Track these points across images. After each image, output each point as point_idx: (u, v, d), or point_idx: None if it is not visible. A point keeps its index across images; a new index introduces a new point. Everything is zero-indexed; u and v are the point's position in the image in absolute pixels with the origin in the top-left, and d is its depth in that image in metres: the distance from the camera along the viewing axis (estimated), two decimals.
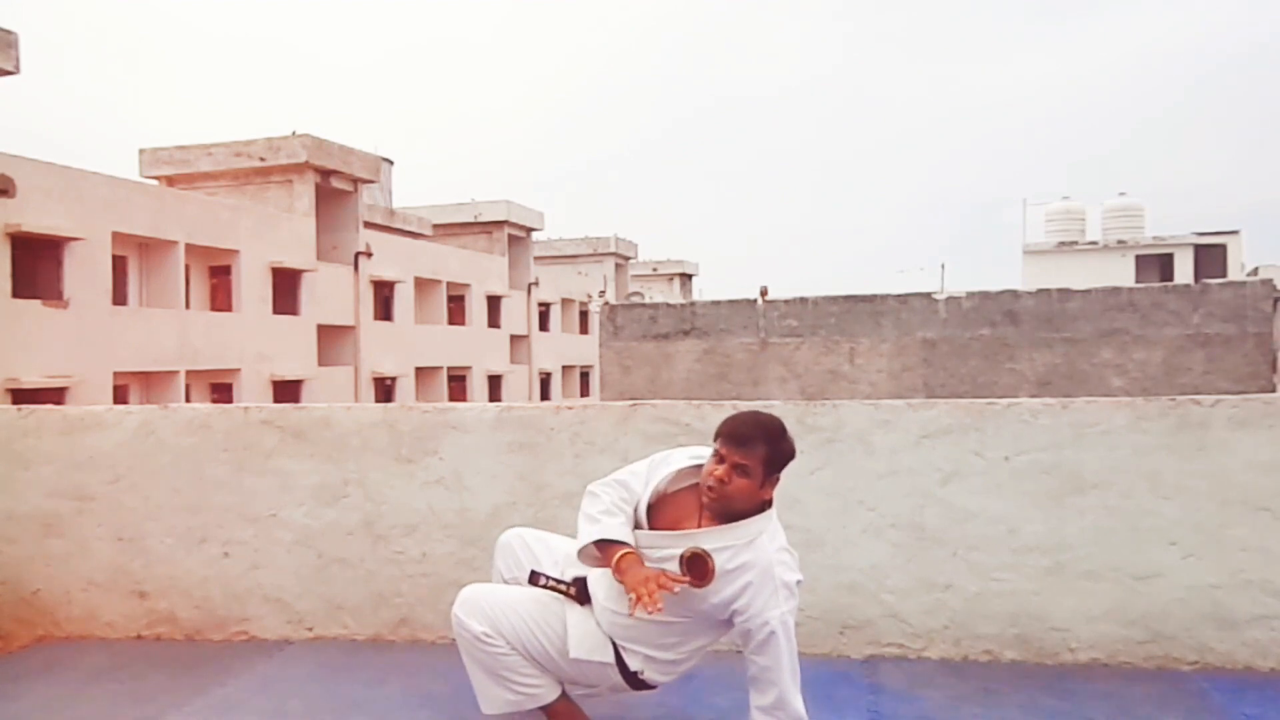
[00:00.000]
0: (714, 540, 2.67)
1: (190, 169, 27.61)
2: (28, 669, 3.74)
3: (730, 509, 2.70)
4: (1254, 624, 3.43)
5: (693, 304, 15.77)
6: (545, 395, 40.02)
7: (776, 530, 2.76)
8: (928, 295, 14.74)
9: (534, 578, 2.86)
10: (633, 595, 2.55)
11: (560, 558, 2.99)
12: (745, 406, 3.73)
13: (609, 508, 2.77)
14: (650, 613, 2.53)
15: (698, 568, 2.65)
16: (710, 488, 2.68)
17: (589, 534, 2.74)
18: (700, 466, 2.76)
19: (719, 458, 2.69)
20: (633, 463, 2.96)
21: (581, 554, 2.78)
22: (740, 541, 2.68)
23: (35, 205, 18.79)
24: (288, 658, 3.78)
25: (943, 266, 67.34)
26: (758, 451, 2.67)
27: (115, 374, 20.63)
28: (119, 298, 21.47)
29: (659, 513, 2.81)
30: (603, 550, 2.73)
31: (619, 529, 2.73)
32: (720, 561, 2.65)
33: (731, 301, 15.01)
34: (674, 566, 2.66)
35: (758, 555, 2.67)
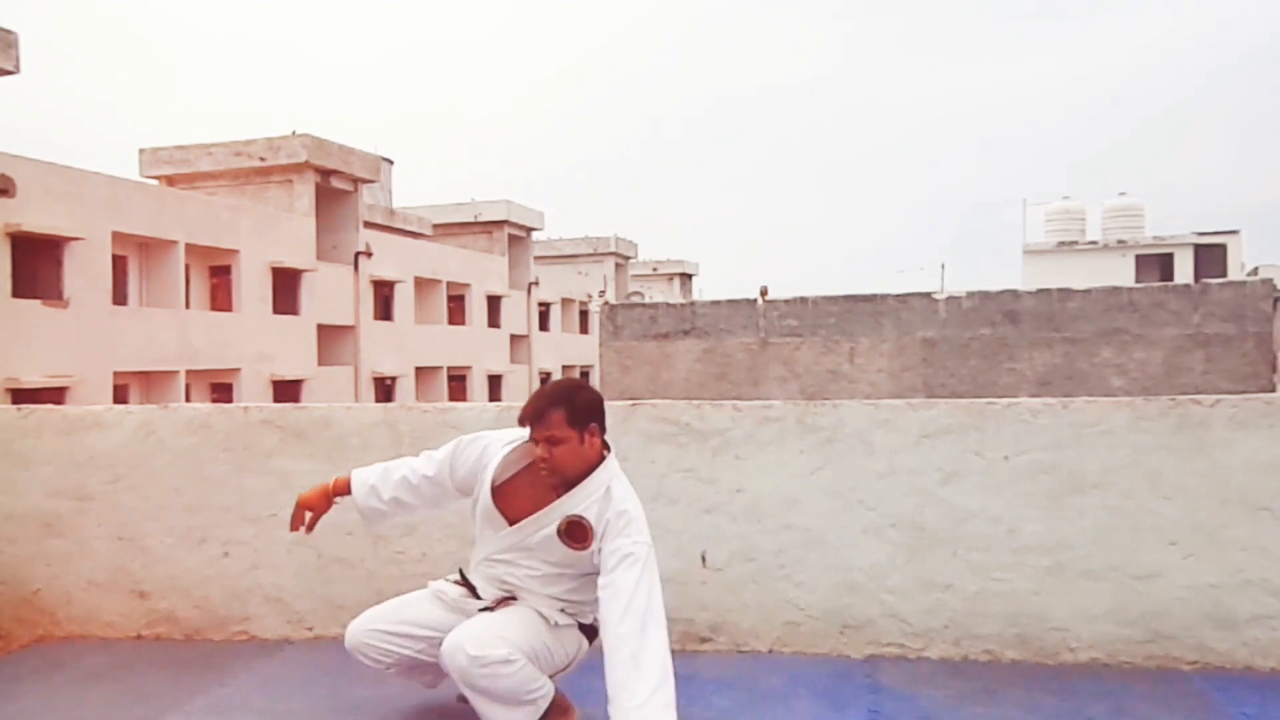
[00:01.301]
0: (573, 505, 2.87)
1: (190, 169, 27.59)
2: (28, 669, 3.74)
3: (570, 476, 2.88)
4: (1254, 624, 3.43)
5: (693, 304, 15.77)
6: None
7: (620, 476, 2.95)
8: (928, 295, 14.74)
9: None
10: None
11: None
12: (745, 406, 3.75)
13: (377, 479, 3.22)
14: (295, 531, 3.25)
15: (577, 533, 2.87)
16: (543, 469, 2.88)
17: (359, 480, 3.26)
18: (517, 446, 2.98)
19: (534, 440, 2.87)
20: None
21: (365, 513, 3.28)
22: (595, 495, 2.87)
23: (35, 205, 18.78)
24: (288, 658, 3.78)
25: (943, 266, 67.39)
26: (556, 417, 2.83)
27: (115, 374, 20.62)
28: (119, 298, 21.45)
29: (512, 501, 2.96)
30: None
31: (359, 481, 3.23)
32: (591, 519, 2.85)
33: (731, 301, 15.01)
34: (556, 544, 2.88)
35: (612, 502, 2.87)
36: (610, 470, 2.92)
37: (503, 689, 2.79)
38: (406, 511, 3.24)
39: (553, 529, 2.88)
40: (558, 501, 2.89)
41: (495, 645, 2.78)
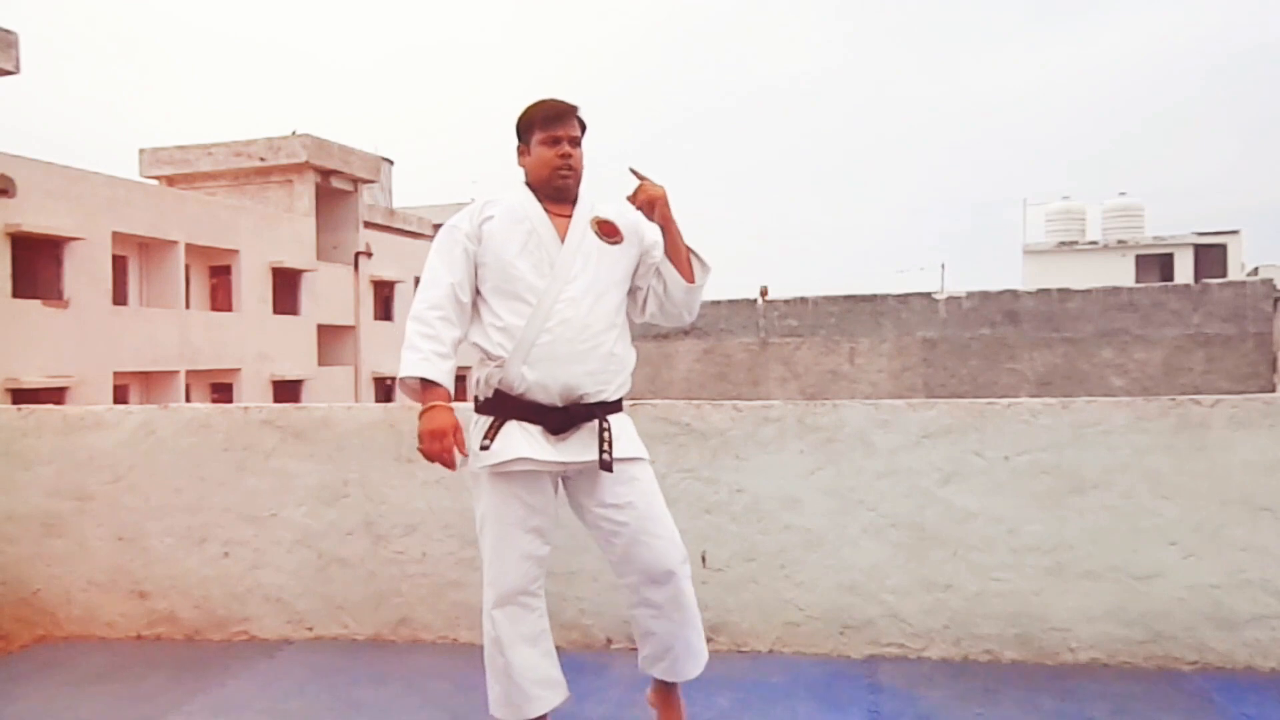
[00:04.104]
0: (594, 211, 2.76)
1: (190, 169, 27.63)
2: (28, 669, 3.74)
3: (577, 186, 2.76)
4: (1254, 624, 3.43)
5: None
6: None
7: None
8: (928, 295, 14.74)
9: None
10: (422, 451, 2.59)
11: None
12: (745, 406, 3.75)
13: (442, 347, 2.61)
14: (447, 465, 2.59)
15: (608, 228, 2.75)
16: (568, 172, 2.72)
17: (413, 367, 2.60)
18: (495, 206, 2.72)
19: (550, 140, 2.70)
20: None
21: (402, 384, 2.67)
22: (592, 200, 2.79)
23: (35, 205, 18.79)
24: (288, 658, 3.78)
25: (943, 266, 67.24)
26: (576, 118, 2.74)
27: (115, 374, 20.64)
28: (119, 298, 21.48)
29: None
30: (422, 388, 2.61)
31: (443, 370, 2.60)
32: (611, 216, 2.77)
33: (731, 301, 15.02)
34: (603, 250, 2.72)
35: (608, 202, 2.80)
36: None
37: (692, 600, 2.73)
38: None
39: (593, 232, 2.72)
40: (578, 216, 2.73)
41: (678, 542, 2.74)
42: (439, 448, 2.56)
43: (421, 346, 2.59)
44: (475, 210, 2.74)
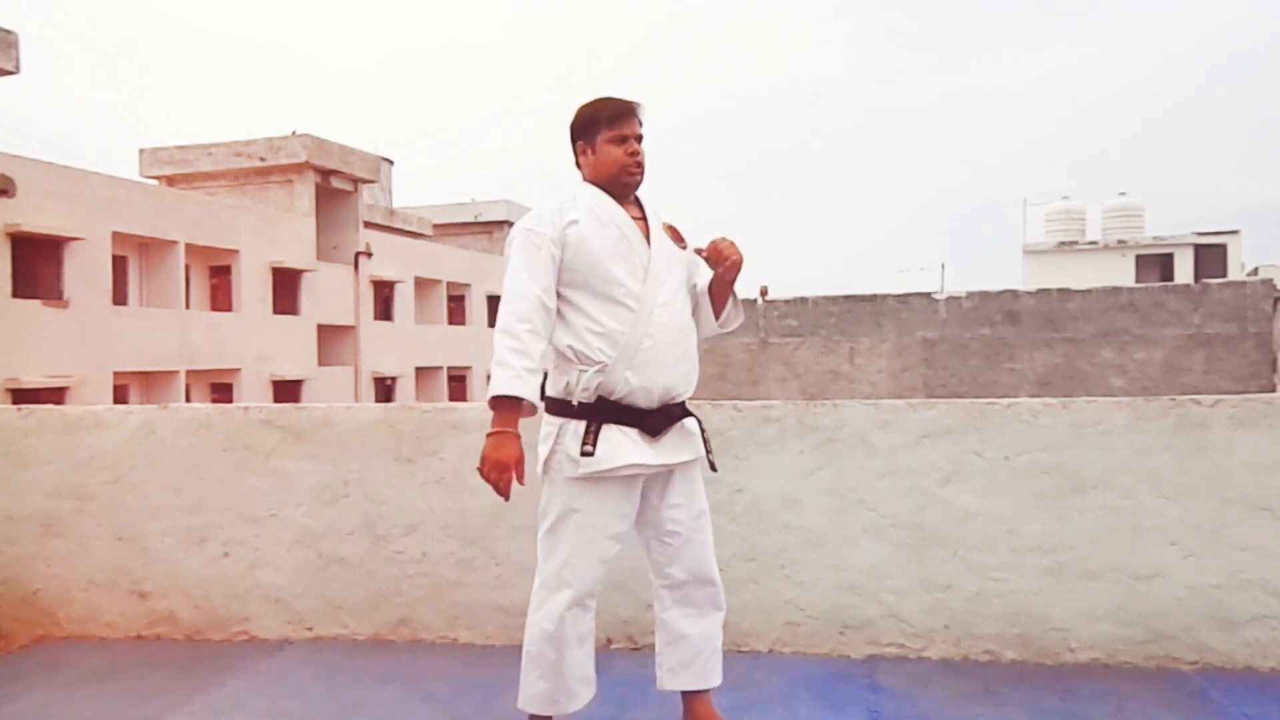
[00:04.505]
0: (653, 214, 2.78)
1: (190, 169, 27.62)
2: (28, 669, 3.74)
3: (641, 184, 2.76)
4: (1254, 624, 3.43)
5: None
6: None
7: None
8: (928, 295, 14.74)
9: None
10: (481, 474, 2.57)
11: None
12: (745, 406, 3.75)
13: (531, 363, 2.55)
14: (502, 495, 2.57)
15: (676, 234, 2.81)
16: (637, 169, 2.72)
17: (506, 385, 2.54)
18: (574, 208, 2.67)
19: (618, 139, 2.70)
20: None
21: (495, 401, 2.59)
22: (651, 204, 2.81)
23: (35, 205, 18.79)
24: (288, 658, 3.78)
25: (943, 266, 67.21)
26: (640, 115, 2.73)
27: (115, 374, 20.63)
28: (119, 298, 21.47)
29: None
30: (502, 406, 2.57)
31: (533, 387, 2.57)
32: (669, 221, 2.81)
33: None
34: (676, 255, 2.76)
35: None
36: None
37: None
38: None
39: (665, 236, 2.75)
40: (646, 210, 2.76)
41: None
42: (497, 478, 2.57)
43: (513, 363, 2.54)
44: (554, 212, 2.67)
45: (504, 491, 2.58)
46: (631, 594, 3.74)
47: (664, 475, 2.75)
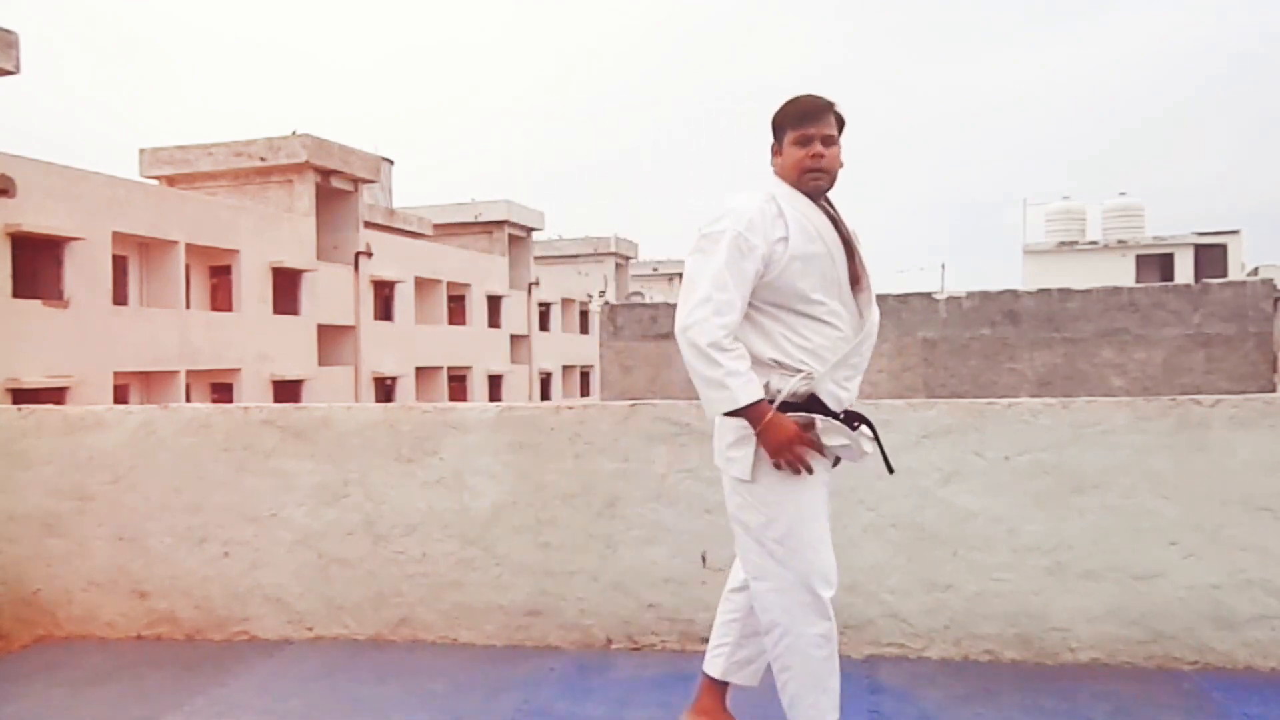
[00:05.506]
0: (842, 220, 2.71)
1: (190, 169, 27.61)
2: (28, 669, 3.74)
3: (830, 187, 2.68)
4: (1254, 624, 3.43)
5: None
6: (546, 395, 40.01)
7: None
8: (928, 295, 14.73)
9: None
10: (788, 459, 2.53)
11: None
12: None
13: (749, 366, 2.53)
14: (809, 467, 2.54)
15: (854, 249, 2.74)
16: (819, 173, 2.63)
17: (751, 392, 2.51)
18: (782, 223, 2.58)
19: (804, 140, 2.61)
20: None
21: (745, 412, 2.53)
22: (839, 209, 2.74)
23: (35, 205, 18.78)
24: (288, 658, 3.78)
25: (943, 266, 67.31)
26: (832, 115, 2.65)
27: (115, 374, 20.62)
28: (119, 298, 21.46)
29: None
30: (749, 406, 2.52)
31: (755, 388, 2.52)
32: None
33: None
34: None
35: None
36: None
37: (823, 672, 2.66)
38: None
39: (856, 241, 2.69)
40: (843, 223, 2.68)
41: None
42: (801, 454, 2.54)
43: (741, 370, 2.51)
44: (765, 221, 2.58)
45: (808, 464, 2.54)
46: (632, 594, 3.74)
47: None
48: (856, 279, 2.68)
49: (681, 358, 2.66)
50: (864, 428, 2.67)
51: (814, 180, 2.64)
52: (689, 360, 2.56)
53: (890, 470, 2.83)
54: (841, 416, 2.63)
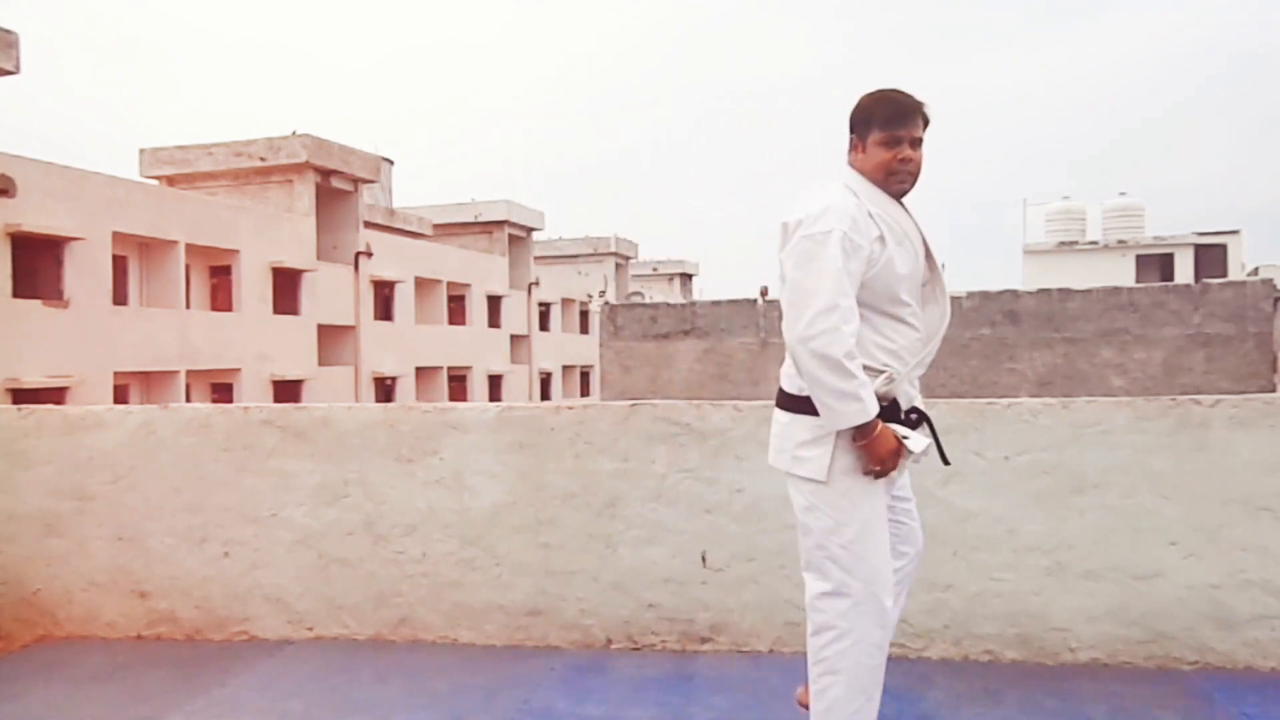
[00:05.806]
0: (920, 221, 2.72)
1: (190, 169, 27.62)
2: (28, 669, 3.74)
3: (912, 189, 2.65)
4: (1254, 624, 3.43)
5: (693, 304, 15.76)
6: (545, 395, 40.03)
7: None
8: None
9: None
10: (877, 468, 2.51)
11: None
12: (746, 406, 3.74)
13: (864, 375, 2.47)
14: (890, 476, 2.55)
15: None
16: (907, 177, 2.60)
17: (874, 407, 2.46)
18: (877, 223, 2.53)
19: (892, 141, 2.56)
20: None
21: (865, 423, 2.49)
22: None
23: (35, 205, 18.79)
24: (288, 658, 3.78)
25: (943, 266, 67.08)
26: (921, 117, 2.61)
27: (115, 374, 20.63)
28: (119, 298, 21.46)
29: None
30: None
31: (873, 405, 2.47)
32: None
33: (731, 301, 15.00)
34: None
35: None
36: None
37: (868, 679, 2.63)
38: None
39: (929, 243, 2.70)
40: (919, 227, 2.65)
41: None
42: (893, 464, 2.53)
43: (867, 381, 2.47)
44: (863, 219, 2.52)
45: (890, 470, 2.53)
46: (632, 594, 3.74)
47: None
48: (928, 279, 2.68)
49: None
50: (924, 425, 2.67)
51: (899, 183, 2.60)
52: (813, 371, 2.43)
53: (946, 463, 2.82)
54: (914, 416, 2.63)
